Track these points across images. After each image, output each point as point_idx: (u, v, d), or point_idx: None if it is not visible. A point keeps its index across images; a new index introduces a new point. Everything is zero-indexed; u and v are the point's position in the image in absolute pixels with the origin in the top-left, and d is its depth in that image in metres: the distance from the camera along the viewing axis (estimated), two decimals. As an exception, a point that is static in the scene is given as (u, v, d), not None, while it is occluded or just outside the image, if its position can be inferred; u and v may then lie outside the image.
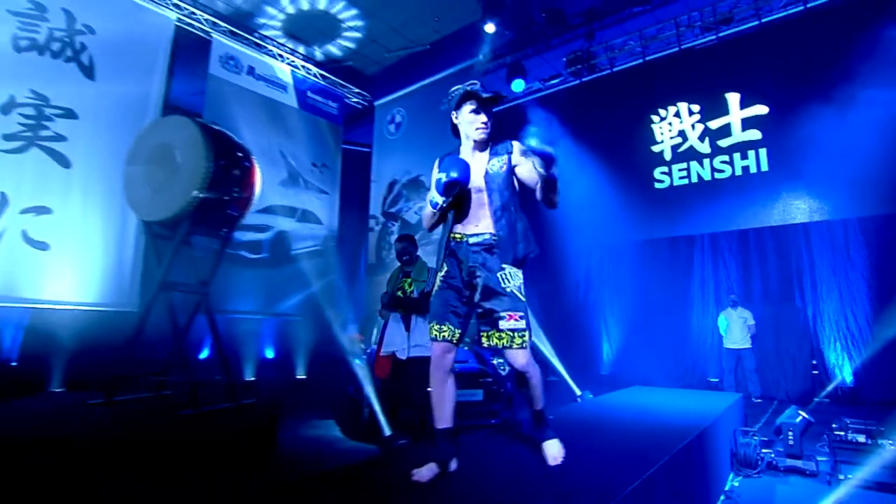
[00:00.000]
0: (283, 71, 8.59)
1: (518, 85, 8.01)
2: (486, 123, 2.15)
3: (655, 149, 7.20)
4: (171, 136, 3.96)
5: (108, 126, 6.54)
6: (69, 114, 6.28)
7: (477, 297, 2.11)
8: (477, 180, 2.15)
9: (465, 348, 5.89)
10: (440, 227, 2.25)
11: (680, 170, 6.92)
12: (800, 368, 6.27)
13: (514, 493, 1.84)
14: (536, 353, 7.58)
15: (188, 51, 7.49)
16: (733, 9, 6.61)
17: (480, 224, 2.13)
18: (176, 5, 7.36)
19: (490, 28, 7.30)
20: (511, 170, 2.15)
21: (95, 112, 6.47)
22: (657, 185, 7.14)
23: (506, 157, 2.15)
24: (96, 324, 6.42)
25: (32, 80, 6.05)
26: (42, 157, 6.07)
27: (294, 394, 7.06)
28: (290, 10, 8.14)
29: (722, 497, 3.19)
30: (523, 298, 2.11)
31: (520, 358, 2.12)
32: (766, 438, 3.81)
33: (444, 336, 2.10)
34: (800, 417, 3.83)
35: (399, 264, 3.89)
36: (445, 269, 2.14)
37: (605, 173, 7.58)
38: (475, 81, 2.20)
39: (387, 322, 3.91)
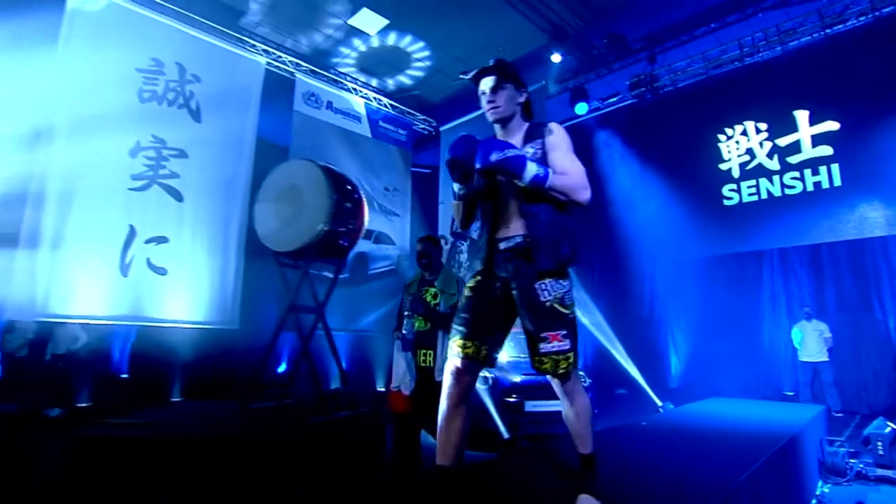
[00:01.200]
0: (357, 103, 9.26)
1: (581, 108, 8.36)
2: (492, 103, 1.91)
3: (723, 167, 7.36)
4: (298, 177, 4.56)
5: (211, 162, 7.31)
6: (181, 153, 7.08)
7: (517, 312, 1.83)
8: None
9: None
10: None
11: (749, 186, 7.06)
12: (883, 381, 6.23)
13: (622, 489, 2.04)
14: (611, 361, 7.83)
15: (275, 90, 8.24)
16: (799, 27, 6.74)
17: (512, 225, 1.85)
18: (265, 50, 8.15)
19: (556, 58, 7.70)
20: (545, 157, 1.84)
21: (202, 150, 7.25)
22: (726, 203, 7.29)
23: (541, 142, 1.87)
24: (203, 340, 7.17)
25: (153, 126, 6.88)
26: (161, 193, 6.87)
27: (379, 404, 7.57)
28: (363, 48, 8.82)
29: (814, 501, 3.39)
30: (568, 311, 1.78)
31: (565, 386, 1.83)
32: (852, 449, 3.95)
33: (466, 353, 1.79)
34: (889, 428, 3.95)
35: (420, 271, 3.36)
36: (476, 277, 1.88)
37: (671, 191, 7.78)
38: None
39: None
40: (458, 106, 10.02)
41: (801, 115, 6.69)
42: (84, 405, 5.70)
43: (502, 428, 4.86)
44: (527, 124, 1.97)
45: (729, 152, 7.33)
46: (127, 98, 6.69)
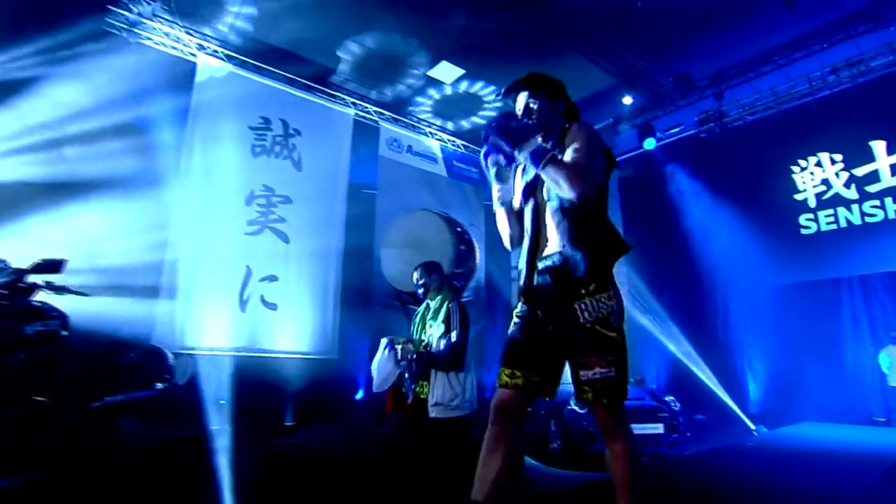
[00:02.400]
0: (434, 146, 9.96)
1: (649, 143, 8.75)
2: (527, 117, 1.88)
3: (798, 196, 7.57)
4: (421, 226, 5.16)
5: (312, 206, 8.06)
6: (286, 200, 7.88)
7: (559, 335, 1.68)
8: (531, 182, 1.84)
9: (638, 387, 6.57)
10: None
11: (827, 215, 7.24)
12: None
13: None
14: (692, 384, 7.98)
15: (362, 137, 9.03)
16: (870, 60, 6.96)
17: (550, 243, 1.74)
18: (353, 103, 8.97)
19: (627, 100, 8.16)
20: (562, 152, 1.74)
21: (303, 195, 8.02)
22: (803, 231, 7.47)
23: (556, 137, 1.81)
24: (308, 369, 7.81)
25: (263, 176, 7.72)
26: (271, 235, 7.66)
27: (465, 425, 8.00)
28: (437, 96, 9.55)
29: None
30: (613, 334, 1.62)
31: (605, 420, 1.64)
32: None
33: (508, 382, 1.67)
34: None
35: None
36: (521, 302, 1.80)
37: (743, 220, 8.01)
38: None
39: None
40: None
41: (879, 146, 6.87)
42: (216, 428, 6.38)
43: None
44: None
45: (804, 183, 7.54)
46: (242, 153, 7.57)
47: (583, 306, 1.60)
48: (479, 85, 9.31)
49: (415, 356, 2.91)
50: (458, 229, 5.25)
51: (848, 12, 6.89)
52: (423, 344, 3.01)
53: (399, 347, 2.92)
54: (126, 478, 3.09)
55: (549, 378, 1.70)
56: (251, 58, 7.91)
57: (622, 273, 8.84)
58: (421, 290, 3.20)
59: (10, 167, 5.27)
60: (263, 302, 7.38)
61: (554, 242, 1.72)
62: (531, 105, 1.88)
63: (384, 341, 3.06)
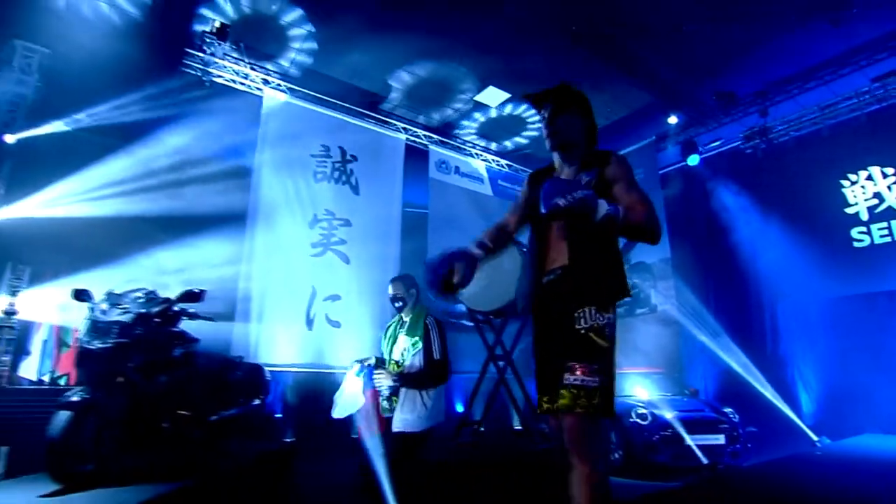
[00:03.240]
0: (480, 166, 10.32)
1: (693, 159, 8.93)
2: (551, 128, 1.85)
3: (849, 210, 7.65)
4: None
5: (369, 228, 8.47)
6: (346, 223, 8.31)
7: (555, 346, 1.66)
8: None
9: (695, 399, 6.73)
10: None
11: (880, 228, 7.30)
12: None
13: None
14: (748, 395, 8.04)
15: (413, 160, 9.44)
16: (919, 75, 7.07)
17: (558, 256, 1.75)
18: (404, 128, 9.40)
19: (672, 120, 8.39)
20: (602, 188, 1.72)
21: (361, 218, 8.44)
22: (856, 245, 7.53)
23: (596, 171, 1.77)
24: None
25: (325, 201, 8.17)
26: (333, 257, 8.08)
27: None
28: (482, 118, 9.94)
29: None
30: (605, 343, 1.60)
31: (574, 431, 1.55)
32: None
33: (546, 408, 1.70)
34: None
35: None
36: (534, 321, 1.80)
37: (793, 234, 8.10)
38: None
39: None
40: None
41: (931, 159, 6.96)
42: (290, 440, 6.77)
43: (700, 455, 5.42)
44: (586, 152, 1.87)
45: (855, 196, 7.61)
46: (305, 179, 8.05)
47: (581, 314, 1.60)
48: (522, 107, 9.65)
49: (397, 380, 2.76)
50: (524, 249, 5.54)
51: (893, 29, 7.02)
52: (395, 362, 2.87)
53: (379, 376, 2.75)
54: (250, 485, 3.45)
55: None
56: (310, 89, 8.41)
57: (671, 286, 9.00)
58: (398, 304, 3.09)
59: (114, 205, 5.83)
60: (328, 320, 7.78)
61: (561, 257, 1.72)
62: (558, 116, 1.83)
63: (356, 365, 2.96)
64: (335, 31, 7.53)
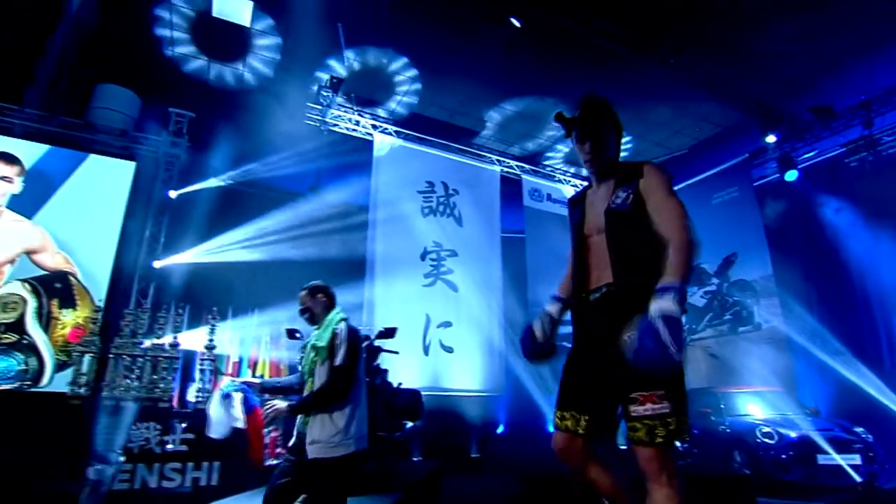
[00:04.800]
0: (568, 192, 10.66)
1: (791, 175, 8.87)
2: (589, 154, 1.77)
3: (973, 220, 7.43)
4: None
5: (473, 257, 8.98)
6: (453, 253, 8.86)
7: (608, 371, 1.56)
8: (596, 220, 1.75)
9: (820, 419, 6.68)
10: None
11: None
12: None
13: None
14: (873, 414, 7.83)
15: (508, 190, 9.92)
16: None
17: (603, 274, 1.68)
18: (499, 160, 9.93)
19: (771, 139, 8.44)
20: (642, 201, 1.66)
21: (466, 248, 8.97)
22: (984, 255, 7.30)
23: (634, 185, 1.69)
24: (477, 405, 8.59)
25: (433, 234, 8.77)
26: (443, 286, 8.64)
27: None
28: (566, 148, 10.32)
29: None
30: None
31: (651, 461, 1.49)
32: None
33: (565, 426, 1.63)
34: None
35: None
36: (574, 339, 1.73)
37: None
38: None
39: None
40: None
41: None
42: (417, 459, 7.28)
43: (850, 471, 5.46)
44: (618, 165, 1.80)
45: (978, 205, 7.40)
46: (414, 215, 8.69)
47: (632, 338, 1.41)
48: (609, 132, 9.95)
49: (287, 408, 2.36)
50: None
51: None
52: (311, 380, 2.47)
53: (270, 406, 2.37)
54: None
55: (600, 418, 1.62)
56: (414, 130, 9.11)
57: (775, 303, 8.92)
58: (305, 316, 2.67)
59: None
60: (442, 346, 8.30)
61: (606, 274, 1.65)
62: (594, 139, 1.76)
63: (219, 391, 2.69)
64: (436, 76, 8.17)
